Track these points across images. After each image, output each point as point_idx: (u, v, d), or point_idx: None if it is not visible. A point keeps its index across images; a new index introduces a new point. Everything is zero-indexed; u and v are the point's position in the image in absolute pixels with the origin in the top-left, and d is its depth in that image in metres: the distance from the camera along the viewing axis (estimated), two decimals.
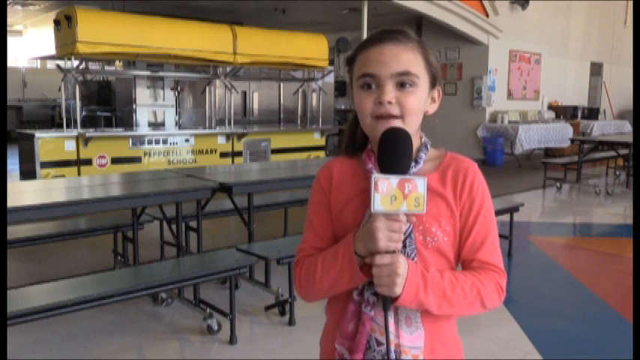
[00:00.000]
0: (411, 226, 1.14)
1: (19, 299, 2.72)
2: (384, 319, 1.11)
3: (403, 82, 1.14)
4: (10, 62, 14.18)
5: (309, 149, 8.93)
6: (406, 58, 1.15)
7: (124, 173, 4.82)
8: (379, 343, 1.13)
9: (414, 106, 1.15)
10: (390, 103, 1.13)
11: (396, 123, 1.14)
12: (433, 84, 1.21)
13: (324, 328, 1.29)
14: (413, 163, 1.17)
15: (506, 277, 1.21)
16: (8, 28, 11.45)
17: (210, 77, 8.64)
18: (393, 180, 1.05)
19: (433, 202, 1.17)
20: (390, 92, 1.13)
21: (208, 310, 3.39)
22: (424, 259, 1.15)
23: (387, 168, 1.09)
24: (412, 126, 1.17)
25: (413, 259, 1.13)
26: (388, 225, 1.06)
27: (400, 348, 1.14)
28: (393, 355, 1.13)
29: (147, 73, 8.42)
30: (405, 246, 1.13)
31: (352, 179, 1.22)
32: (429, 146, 1.22)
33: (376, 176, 1.05)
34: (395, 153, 1.09)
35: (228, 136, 8.16)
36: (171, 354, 3.19)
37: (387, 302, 1.09)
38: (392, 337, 1.13)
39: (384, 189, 1.04)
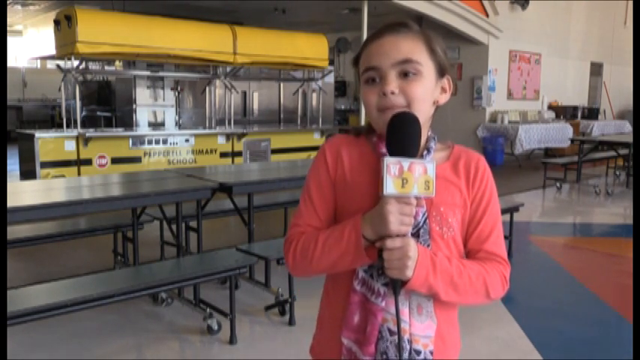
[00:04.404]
0: (426, 217, 1.13)
1: (19, 299, 2.72)
2: (395, 306, 1.10)
3: (406, 70, 1.12)
4: (10, 62, 14.16)
5: (309, 149, 8.92)
6: (406, 45, 1.13)
7: (124, 173, 4.82)
8: (392, 333, 1.12)
9: (420, 94, 1.13)
10: (393, 93, 1.11)
11: None
12: (442, 73, 1.18)
13: (318, 320, 1.28)
14: (425, 152, 1.16)
15: (510, 269, 1.21)
16: (8, 28, 11.44)
17: (210, 77, 8.64)
18: (405, 163, 1.05)
19: (449, 191, 1.17)
20: (393, 82, 1.11)
21: (208, 310, 3.39)
22: (439, 249, 1.14)
23: (396, 151, 1.07)
24: (420, 115, 1.13)
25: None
26: (400, 208, 1.05)
27: (411, 336, 1.13)
28: (406, 344, 1.12)
29: (147, 73, 8.41)
30: (418, 236, 1.12)
31: (363, 164, 1.18)
32: (436, 138, 1.21)
33: (388, 159, 1.05)
34: (404, 136, 1.08)
35: (228, 136, 8.16)
36: (171, 354, 3.19)
37: (398, 285, 1.08)
38: (404, 325, 1.12)
39: (396, 172, 1.04)
